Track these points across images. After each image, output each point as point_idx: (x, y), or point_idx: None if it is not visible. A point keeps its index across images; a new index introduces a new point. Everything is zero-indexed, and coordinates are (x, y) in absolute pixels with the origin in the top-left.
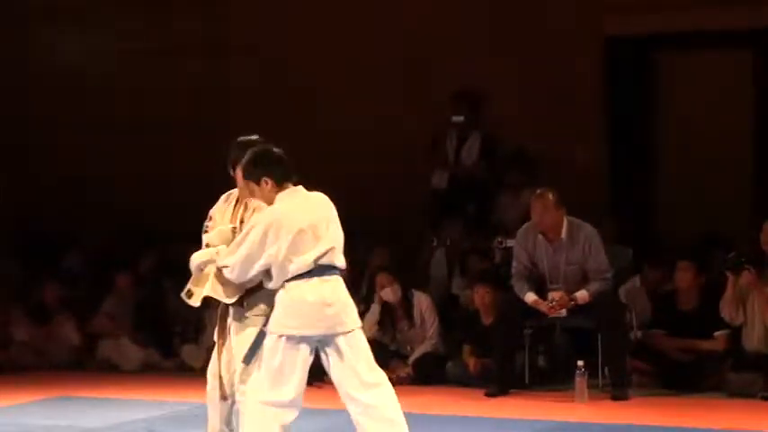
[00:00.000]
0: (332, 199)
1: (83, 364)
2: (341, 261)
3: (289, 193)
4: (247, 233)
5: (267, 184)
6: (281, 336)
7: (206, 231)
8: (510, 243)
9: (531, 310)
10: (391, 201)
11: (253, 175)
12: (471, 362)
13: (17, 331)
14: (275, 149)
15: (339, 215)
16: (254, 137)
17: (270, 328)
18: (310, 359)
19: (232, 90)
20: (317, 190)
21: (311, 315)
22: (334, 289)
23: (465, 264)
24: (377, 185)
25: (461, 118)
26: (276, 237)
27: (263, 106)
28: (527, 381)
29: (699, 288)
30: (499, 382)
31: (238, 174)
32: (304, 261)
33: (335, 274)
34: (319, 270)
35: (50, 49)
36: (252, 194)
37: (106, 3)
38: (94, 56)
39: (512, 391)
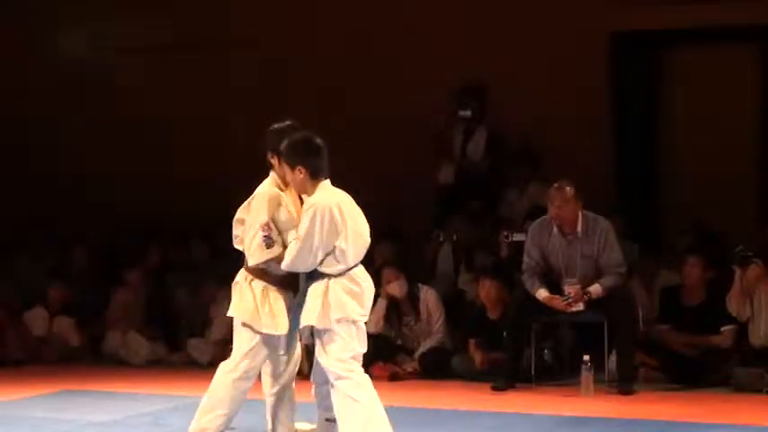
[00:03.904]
0: None
1: (86, 361)
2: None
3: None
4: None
5: (301, 173)
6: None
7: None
8: (516, 237)
9: (539, 306)
10: (392, 199)
11: (290, 160)
12: (477, 356)
13: (34, 327)
14: (317, 140)
15: None
16: (288, 122)
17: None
18: None
19: (232, 88)
20: None
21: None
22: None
23: (471, 258)
24: (378, 182)
25: (468, 113)
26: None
27: (262, 104)
28: (533, 375)
29: (705, 283)
30: (507, 376)
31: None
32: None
33: None
34: None
35: (50, 48)
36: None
37: (106, 2)
38: (94, 55)
39: (518, 385)
